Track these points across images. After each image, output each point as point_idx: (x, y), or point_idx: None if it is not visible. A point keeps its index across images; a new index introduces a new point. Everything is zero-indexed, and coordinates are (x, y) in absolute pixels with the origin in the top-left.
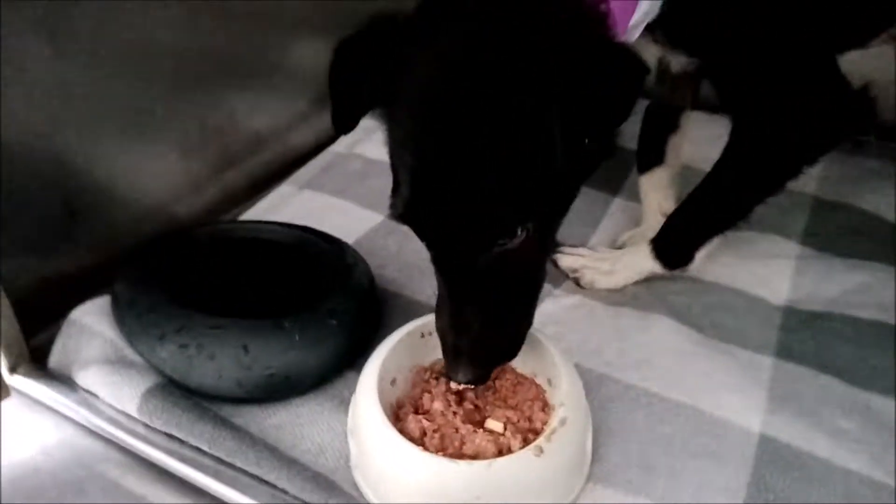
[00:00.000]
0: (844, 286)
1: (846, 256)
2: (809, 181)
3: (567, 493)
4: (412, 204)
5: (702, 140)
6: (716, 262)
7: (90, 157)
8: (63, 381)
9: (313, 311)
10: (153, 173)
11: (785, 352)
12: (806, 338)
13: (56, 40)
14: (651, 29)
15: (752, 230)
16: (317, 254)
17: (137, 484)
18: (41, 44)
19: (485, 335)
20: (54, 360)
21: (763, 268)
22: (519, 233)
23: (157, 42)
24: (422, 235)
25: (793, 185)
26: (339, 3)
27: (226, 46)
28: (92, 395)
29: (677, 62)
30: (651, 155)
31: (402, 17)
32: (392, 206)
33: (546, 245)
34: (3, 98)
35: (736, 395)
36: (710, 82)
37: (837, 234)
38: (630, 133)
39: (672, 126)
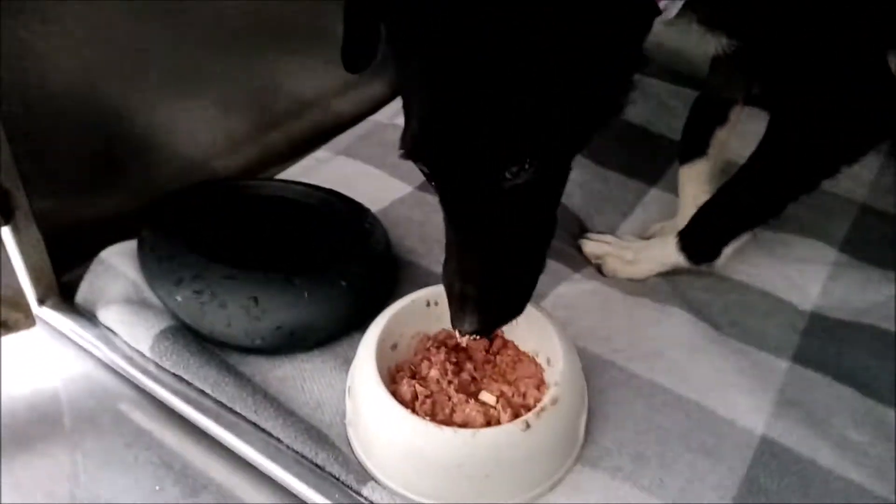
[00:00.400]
0: (876, 297)
1: (883, 267)
2: (859, 187)
3: (552, 472)
4: (421, 136)
5: (751, 136)
6: (747, 262)
7: (132, 106)
8: (87, 316)
9: (324, 271)
10: (194, 128)
11: (803, 357)
12: (827, 345)
13: None
14: (693, 7)
15: (791, 233)
16: (337, 216)
17: (144, 419)
18: None
19: (491, 282)
20: (81, 296)
21: (796, 271)
22: (525, 166)
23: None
24: (430, 169)
25: (840, 189)
26: None
27: (275, 8)
28: (111, 332)
29: (719, 44)
30: (694, 146)
31: None
32: (402, 142)
33: (554, 188)
34: (49, 47)
35: (743, 396)
36: (747, 68)
37: (879, 243)
38: (675, 125)
39: (720, 118)
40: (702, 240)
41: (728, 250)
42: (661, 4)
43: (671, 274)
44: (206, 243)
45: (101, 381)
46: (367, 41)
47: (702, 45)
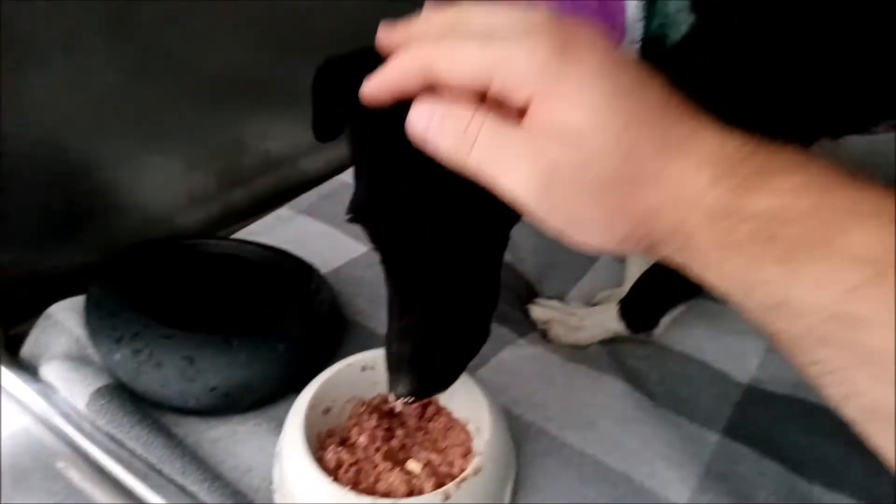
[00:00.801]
0: None
1: None
2: None
3: None
4: (366, 201)
5: None
6: (685, 332)
7: (96, 160)
8: (30, 371)
9: (264, 333)
10: (157, 183)
11: (733, 430)
12: (758, 418)
13: (72, 40)
14: None
15: (729, 304)
16: (284, 277)
17: (77, 478)
18: (58, 43)
19: (430, 343)
20: (26, 350)
21: (736, 342)
22: (466, 227)
23: (176, 54)
24: (372, 234)
25: None
26: (362, 39)
27: (246, 66)
28: (51, 389)
29: None
30: None
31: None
32: (349, 207)
33: (497, 247)
34: (16, 94)
35: (671, 468)
36: None
37: None
38: None
39: None
40: (640, 309)
41: (666, 320)
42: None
43: (613, 342)
44: (151, 301)
45: (39, 438)
46: (335, 116)
47: None
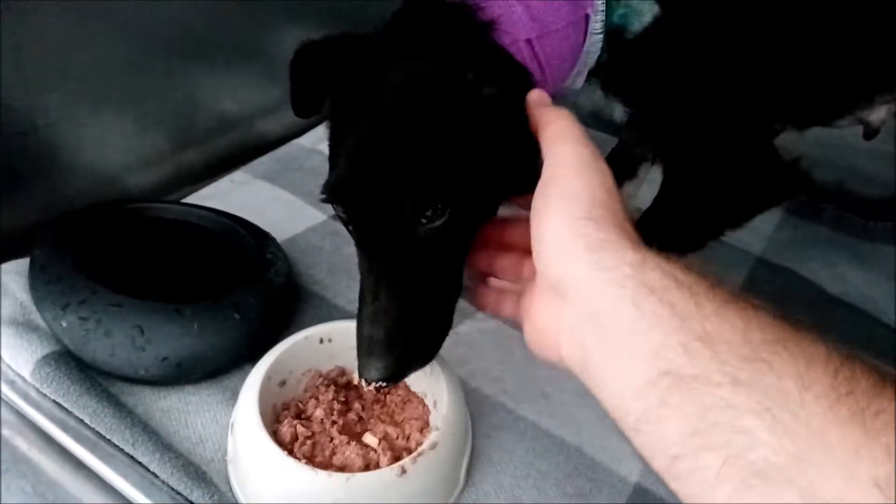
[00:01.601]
0: None
1: None
2: (757, 240)
3: None
4: (343, 179)
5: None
6: None
7: (42, 118)
8: None
9: (217, 302)
10: (107, 142)
11: None
12: None
13: None
14: (593, 73)
15: None
16: (239, 245)
17: (24, 446)
18: None
19: (401, 327)
20: None
21: None
22: (438, 211)
23: (128, 9)
24: (348, 212)
25: (739, 242)
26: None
27: (201, 24)
28: None
29: (616, 111)
30: None
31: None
32: (324, 186)
33: (467, 238)
34: None
35: (622, 443)
36: (641, 134)
37: (771, 296)
38: None
39: (629, 173)
40: None
41: None
42: (568, 81)
43: None
44: (99, 267)
45: None
46: (314, 94)
47: (608, 104)
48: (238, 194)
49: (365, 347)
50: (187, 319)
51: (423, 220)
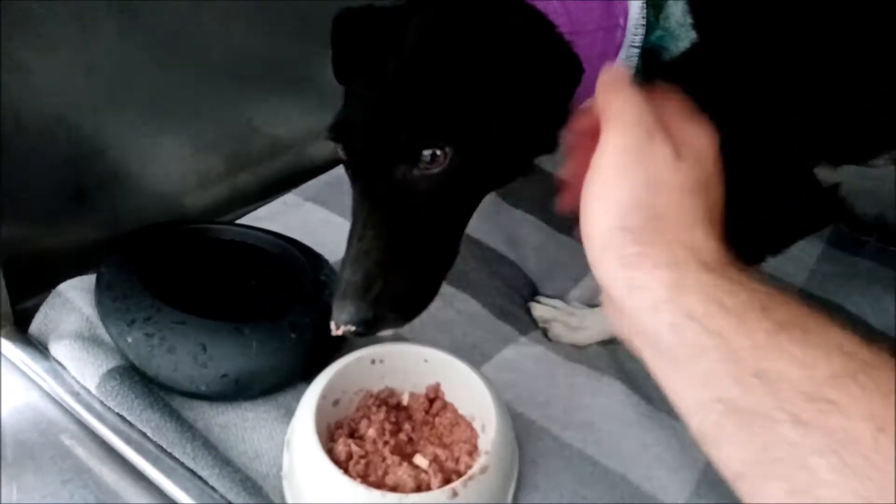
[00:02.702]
0: None
1: None
2: (800, 270)
3: None
4: (346, 116)
5: None
6: None
7: (105, 139)
8: (38, 348)
9: (274, 322)
10: (165, 163)
11: None
12: None
13: (84, 20)
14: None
15: None
16: (294, 266)
17: (85, 457)
18: (70, 22)
19: (381, 272)
20: (34, 327)
21: None
22: (438, 153)
23: (187, 35)
24: (348, 149)
25: (782, 273)
26: None
27: (257, 50)
28: (60, 366)
29: None
30: None
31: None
32: (329, 125)
33: (468, 199)
34: (30, 73)
35: (668, 473)
36: None
37: None
38: None
39: None
40: None
41: None
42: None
43: (612, 343)
44: (162, 285)
45: (46, 415)
46: (352, 60)
47: None
48: (290, 216)
49: (340, 290)
50: (247, 338)
51: (421, 163)
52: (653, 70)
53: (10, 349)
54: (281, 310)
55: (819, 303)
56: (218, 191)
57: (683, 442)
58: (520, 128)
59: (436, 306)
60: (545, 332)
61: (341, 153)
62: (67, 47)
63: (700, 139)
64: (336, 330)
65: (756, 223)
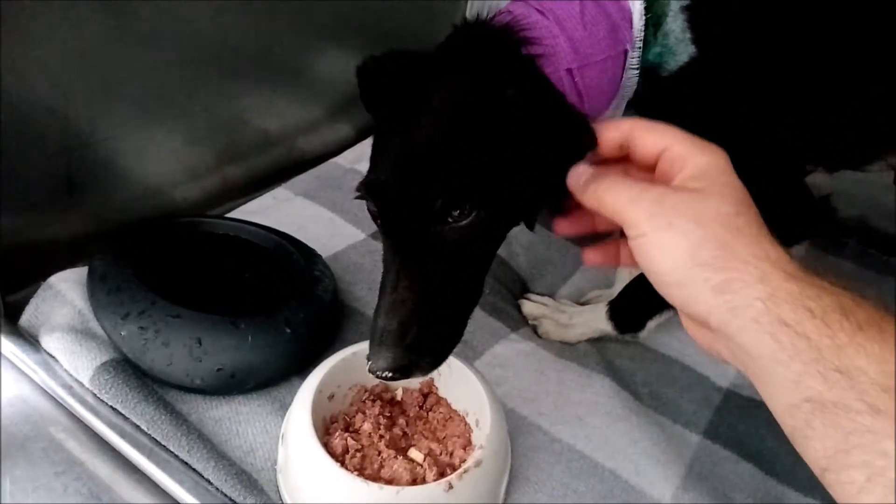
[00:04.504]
0: None
1: None
2: None
3: None
4: (379, 177)
5: None
6: (671, 335)
7: (97, 132)
8: (29, 340)
9: (270, 316)
10: (156, 156)
11: (713, 432)
12: (737, 423)
13: (78, 12)
14: (630, 106)
15: None
16: (288, 261)
17: (77, 449)
18: (63, 15)
19: (415, 320)
20: (25, 319)
21: None
22: (466, 210)
23: (179, 28)
24: (378, 205)
25: None
26: (366, 22)
27: (248, 43)
28: (52, 359)
29: None
30: None
31: (418, 54)
32: (360, 183)
33: (489, 245)
34: (23, 65)
35: (655, 467)
36: None
37: None
38: None
39: None
40: (629, 311)
41: (652, 324)
42: (608, 112)
43: (600, 341)
44: (156, 278)
45: (38, 407)
46: (377, 98)
47: None
48: (280, 211)
49: (377, 337)
50: (242, 332)
51: (451, 219)
52: (652, 86)
53: (3, 342)
54: (275, 305)
55: None
56: (208, 184)
57: (670, 437)
58: (541, 184)
59: None
60: (535, 329)
61: (371, 208)
62: (58, 40)
63: (705, 157)
64: (373, 374)
65: None
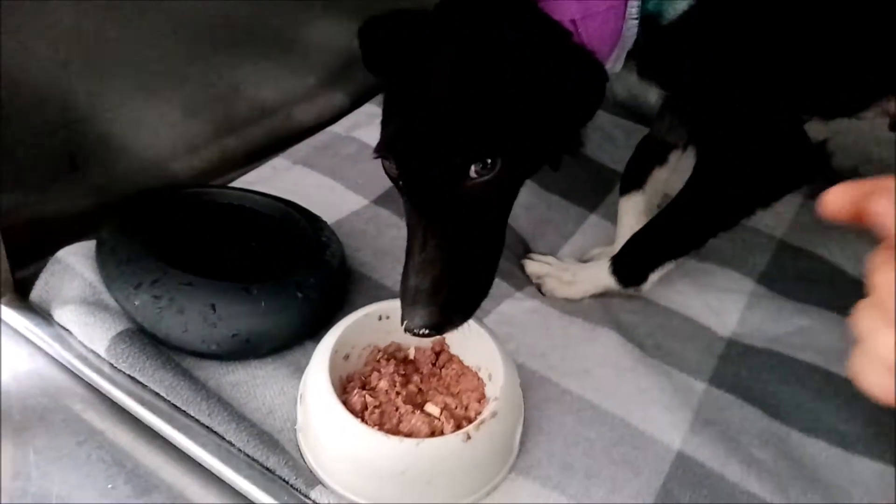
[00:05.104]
0: (788, 327)
1: (796, 300)
2: (779, 224)
3: (489, 479)
4: (396, 135)
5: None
6: (672, 289)
7: (96, 105)
8: (41, 314)
9: (281, 282)
10: (155, 129)
11: (718, 380)
12: (741, 370)
13: None
14: (633, 58)
15: (714, 263)
16: (294, 228)
17: (97, 419)
18: None
19: (446, 279)
20: (36, 294)
21: (716, 300)
22: (488, 163)
23: (177, 4)
24: (399, 165)
25: (762, 225)
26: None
27: (242, 14)
28: (66, 332)
29: (652, 92)
30: (633, 180)
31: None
32: (379, 142)
33: (510, 195)
34: (23, 38)
35: (663, 413)
36: (679, 115)
37: (793, 278)
38: (616, 156)
39: (660, 159)
40: (631, 265)
41: (654, 277)
42: (609, 64)
43: (604, 296)
44: (165, 248)
45: (54, 380)
46: (379, 58)
47: (643, 89)
48: (280, 180)
49: (410, 296)
50: (255, 298)
51: (473, 174)
52: (651, 35)
53: (12, 316)
54: (285, 271)
55: (799, 253)
56: (207, 155)
57: (677, 385)
58: (558, 131)
59: None
60: (539, 288)
61: (391, 169)
62: (55, 16)
63: None
64: (407, 332)
65: (748, 178)
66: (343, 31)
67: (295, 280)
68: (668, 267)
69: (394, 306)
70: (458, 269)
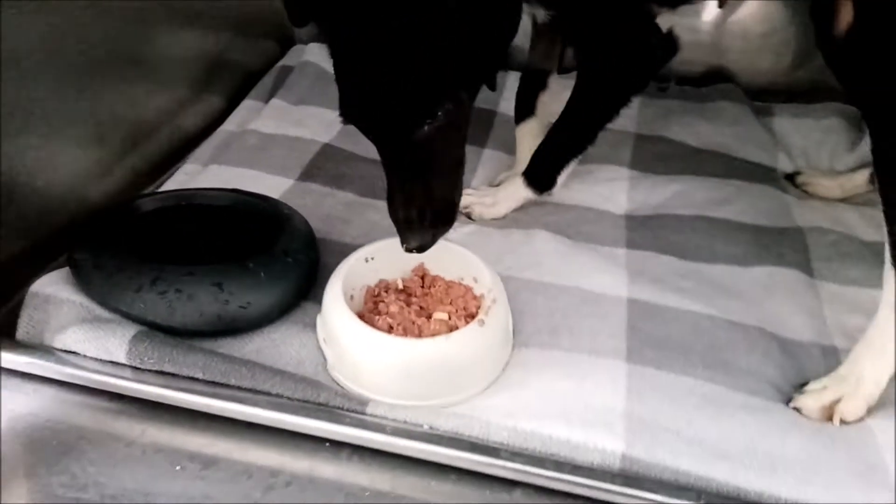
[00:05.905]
0: (666, 194)
1: (664, 174)
2: (630, 121)
3: (504, 356)
4: (353, 102)
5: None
6: (571, 190)
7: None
8: (36, 348)
9: (271, 253)
10: (59, 163)
11: (633, 243)
12: (646, 232)
13: None
14: None
15: (594, 163)
16: (254, 208)
17: (133, 421)
18: None
19: (427, 204)
20: (22, 331)
21: (605, 189)
22: (439, 110)
23: (47, 39)
24: (364, 129)
25: (618, 126)
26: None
27: (103, 43)
28: (71, 354)
29: (539, 15)
30: (524, 109)
31: None
32: (340, 112)
33: (466, 120)
34: None
35: (605, 276)
36: (561, 33)
37: (655, 158)
38: (491, 98)
39: (542, 85)
40: (542, 173)
41: (561, 179)
42: None
43: (524, 208)
44: (148, 253)
45: (73, 403)
46: (300, 10)
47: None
48: (201, 181)
49: (404, 225)
50: (254, 270)
51: (428, 119)
52: None
53: (10, 359)
54: (268, 244)
55: (651, 139)
56: (116, 177)
57: (605, 255)
58: (490, 56)
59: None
60: (469, 216)
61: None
62: None
63: None
64: (407, 251)
65: (621, 68)
66: (201, 41)
67: (282, 248)
68: (572, 166)
69: (374, 248)
70: (436, 193)
